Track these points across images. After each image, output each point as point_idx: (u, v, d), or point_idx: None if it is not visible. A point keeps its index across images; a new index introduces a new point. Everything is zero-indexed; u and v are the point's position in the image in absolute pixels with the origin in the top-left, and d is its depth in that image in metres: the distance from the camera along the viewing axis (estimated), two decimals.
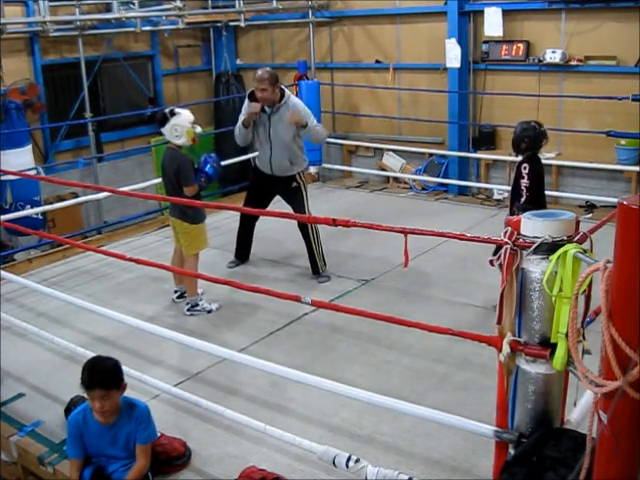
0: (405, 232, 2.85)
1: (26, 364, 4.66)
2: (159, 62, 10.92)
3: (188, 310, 5.39)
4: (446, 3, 8.65)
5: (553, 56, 8.01)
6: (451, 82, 8.81)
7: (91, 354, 4.12)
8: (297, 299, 3.29)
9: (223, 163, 9.08)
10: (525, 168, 4.95)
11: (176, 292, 5.65)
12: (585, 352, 2.30)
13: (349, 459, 3.07)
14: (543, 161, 8.12)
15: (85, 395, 3.28)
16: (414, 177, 9.28)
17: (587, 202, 7.86)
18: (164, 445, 3.52)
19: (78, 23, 8.87)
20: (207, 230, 5.54)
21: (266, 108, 5.84)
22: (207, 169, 5.33)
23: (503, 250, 2.45)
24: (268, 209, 6.16)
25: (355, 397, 3.27)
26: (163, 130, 5.26)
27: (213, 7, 10.62)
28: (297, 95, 9.36)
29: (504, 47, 8.42)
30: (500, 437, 2.67)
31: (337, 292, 5.68)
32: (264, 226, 7.11)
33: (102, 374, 3.18)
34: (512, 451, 2.61)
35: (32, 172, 7.85)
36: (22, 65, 9.04)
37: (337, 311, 3.66)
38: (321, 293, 5.60)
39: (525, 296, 2.48)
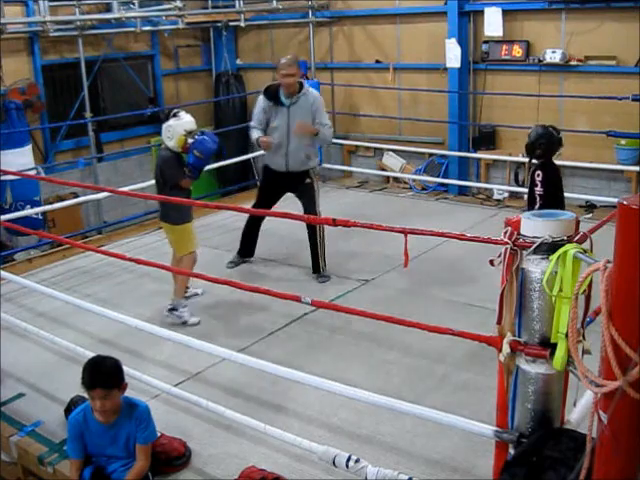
0: (405, 232, 2.85)
1: (26, 364, 4.66)
2: (159, 62, 10.92)
3: (167, 310, 5.23)
4: (446, 3, 8.65)
5: (553, 56, 8.01)
6: (451, 82, 8.82)
7: (91, 354, 4.11)
8: (297, 299, 3.29)
9: (223, 163, 9.19)
10: (539, 176, 4.88)
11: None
12: (585, 352, 2.30)
13: (349, 459, 3.06)
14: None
15: (85, 395, 3.28)
16: (414, 177, 9.28)
17: (587, 202, 7.86)
18: (164, 445, 3.52)
19: (78, 23, 8.87)
20: (195, 230, 5.47)
21: (284, 99, 5.84)
22: (189, 159, 5.19)
23: (503, 250, 2.45)
24: (276, 206, 6.16)
25: (355, 397, 3.27)
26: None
27: (213, 7, 10.63)
28: None
29: (504, 47, 8.42)
30: (500, 437, 2.66)
31: (337, 292, 5.68)
32: (264, 226, 7.11)
33: (103, 374, 3.18)
34: (512, 451, 2.61)
35: (32, 172, 7.85)
36: (22, 65, 9.04)
37: (337, 311, 3.66)
38: (321, 293, 5.60)
39: (525, 296, 2.48)
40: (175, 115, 5.22)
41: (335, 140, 9.90)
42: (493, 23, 8.26)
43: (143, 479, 3.30)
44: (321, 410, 3.98)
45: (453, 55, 8.53)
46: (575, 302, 2.09)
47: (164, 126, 5.23)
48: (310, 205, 5.99)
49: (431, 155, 9.32)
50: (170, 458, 3.53)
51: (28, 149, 8.40)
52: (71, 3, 8.76)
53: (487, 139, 8.86)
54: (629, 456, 1.78)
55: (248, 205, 6.16)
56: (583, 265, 2.24)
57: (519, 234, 2.44)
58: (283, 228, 6.96)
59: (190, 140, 5.16)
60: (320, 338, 4.95)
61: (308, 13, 9.99)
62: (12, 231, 7.55)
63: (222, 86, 10.97)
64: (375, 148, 9.81)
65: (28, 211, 7.54)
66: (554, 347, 2.40)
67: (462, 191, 8.95)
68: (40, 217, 8.12)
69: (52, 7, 8.68)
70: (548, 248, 2.36)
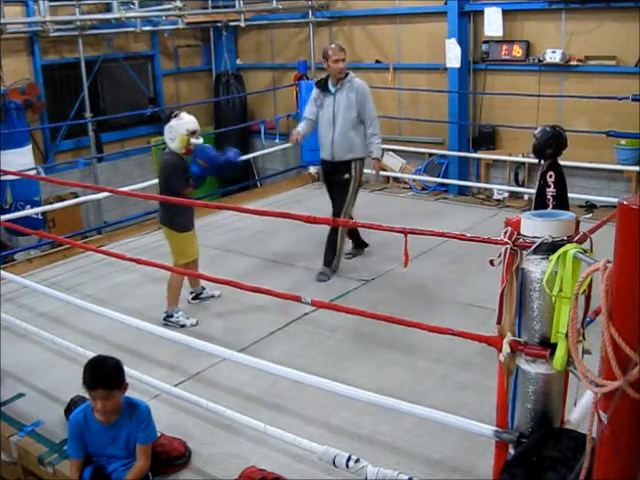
0: (405, 232, 2.85)
1: (26, 364, 4.66)
2: (159, 62, 10.93)
3: (163, 319, 5.18)
4: (446, 3, 8.66)
5: (553, 56, 8.01)
6: (451, 82, 8.82)
7: (91, 354, 4.11)
8: (297, 299, 3.29)
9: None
10: (551, 177, 4.89)
11: (191, 293, 5.64)
12: (585, 352, 2.30)
13: (349, 459, 3.06)
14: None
15: (86, 395, 3.28)
16: (414, 177, 9.28)
17: (587, 202, 7.86)
18: (164, 445, 3.52)
19: (78, 23, 8.89)
20: (196, 238, 5.39)
21: (331, 87, 6.02)
22: (193, 169, 5.08)
23: (503, 250, 2.45)
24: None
25: (355, 397, 3.27)
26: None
27: (213, 7, 10.64)
28: (297, 95, 9.39)
29: (504, 47, 8.43)
30: (500, 437, 2.66)
31: (337, 292, 5.68)
32: (264, 226, 7.12)
33: (104, 374, 3.18)
34: (512, 451, 2.61)
35: (32, 172, 7.86)
36: (22, 65, 9.05)
37: (337, 311, 3.66)
38: (321, 293, 5.60)
39: (525, 296, 2.48)
40: (176, 116, 5.14)
41: None
42: (493, 23, 8.26)
43: (143, 479, 3.30)
44: (321, 410, 3.98)
45: (453, 55, 8.54)
46: (575, 302, 2.09)
47: (166, 127, 5.14)
48: (340, 197, 6.05)
49: (431, 155, 9.32)
50: (170, 458, 3.53)
51: (28, 149, 8.41)
52: (71, 3, 8.77)
53: (487, 139, 8.86)
54: (629, 456, 1.78)
55: (248, 205, 6.16)
56: (583, 265, 2.24)
57: (519, 234, 2.44)
58: (283, 228, 6.96)
59: (193, 140, 5.05)
60: (320, 338, 4.95)
61: (308, 13, 10.00)
62: (12, 231, 7.55)
63: (222, 86, 10.98)
64: None
65: (28, 211, 7.55)
66: (554, 347, 2.40)
67: (462, 191, 8.96)
68: (40, 217, 8.13)
69: (52, 7, 8.70)
70: (548, 248, 2.36)
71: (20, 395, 4.31)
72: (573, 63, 7.99)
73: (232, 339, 4.83)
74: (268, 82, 11.13)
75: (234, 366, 4.10)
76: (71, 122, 9.28)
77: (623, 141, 7.66)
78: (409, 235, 2.85)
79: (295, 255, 6.60)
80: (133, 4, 9.26)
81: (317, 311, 5.12)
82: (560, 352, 2.35)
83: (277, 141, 9.78)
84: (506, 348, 2.52)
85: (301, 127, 6.21)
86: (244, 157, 9.86)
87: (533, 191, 8.25)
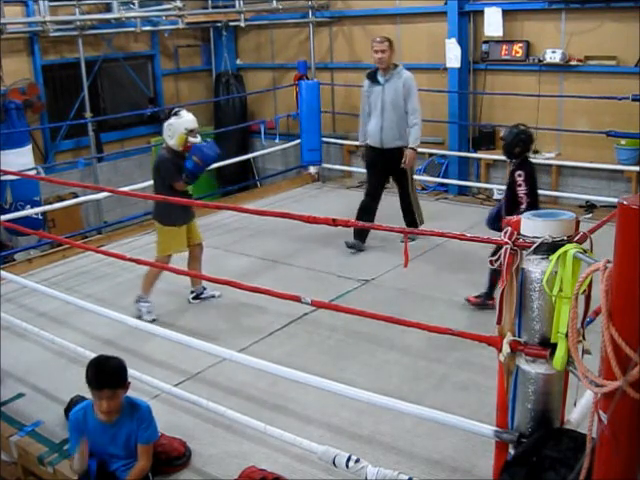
0: (405, 232, 2.85)
1: (26, 364, 4.66)
2: (159, 62, 10.93)
3: (136, 301, 5.36)
4: (446, 3, 8.65)
5: (553, 56, 8.01)
6: (451, 82, 8.82)
7: (91, 354, 4.12)
8: (297, 299, 3.29)
9: (222, 164, 9.19)
10: (521, 176, 4.95)
11: (192, 292, 5.65)
12: (585, 352, 2.30)
13: (349, 459, 3.07)
14: (543, 161, 8.24)
15: (86, 395, 3.28)
16: (414, 177, 9.26)
17: (587, 202, 7.86)
18: (164, 445, 3.52)
19: (78, 23, 8.88)
20: (182, 237, 5.38)
21: (380, 78, 6.41)
22: (187, 164, 5.16)
23: (503, 250, 2.45)
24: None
25: (355, 397, 3.27)
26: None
27: (213, 7, 10.63)
28: (297, 95, 9.39)
29: (504, 47, 8.42)
30: (500, 437, 2.67)
31: (337, 292, 5.68)
32: (264, 226, 7.12)
33: (110, 374, 3.19)
34: (512, 451, 2.62)
35: (32, 172, 7.85)
36: (22, 65, 9.05)
37: (337, 311, 3.66)
38: (321, 293, 5.59)
39: (525, 296, 2.48)
40: (176, 114, 5.21)
41: (335, 140, 9.95)
42: (493, 23, 8.25)
43: (143, 479, 3.30)
44: (321, 410, 3.98)
45: (453, 55, 8.53)
46: (575, 302, 2.09)
47: (165, 124, 5.24)
48: (405, 186, 6.63)
49: (431, 155, 9.31)
50: (170, 458, 3.53)
51: (28, 149, 8.40)
52: (71, 3, 8.77)
53: (487, 139, 8.85)
54: (629, 456, 1.78)
55: (248, 205, 6.17)
56: (583, 265, 2.24)
57: (519, 234, 2.44)
58: (283, 228, 6.96)
59: (191, 139, 5.15)
60: (320, 338, 4.95)
61: (308, 13, 9.99)
62: (12, 231, 7.55)
63: (222, 86, 10.97)
64: None
65: (28, 211, 7.55)
66: (554, 347, 2.40)
67: (462, 191, 8.95)
68: (40, 217, 8.13)
69: (52, 7, 8.69)
70: (548, 248, 2.36)
71: (20, 395, 4.31)
72: (573, 63, 7.98)
73: (232, 339, 4.83)
74: (268, 82, 11.13)
75: (234, 366, 4.11)
76: (71, 122, 9.28)
77: (623, 141, 7.65)
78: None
79: (295, 255, 6.60)
80: (133, 4, 9.25)
81: (317, 311, 5.12)
82: (560, 352, 2.35)
83: (277, 141, 9.77)
84: (506, 348, 2.52)
85: (362, 135, 6.76)
86: (244, 157, 9.92)
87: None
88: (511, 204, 4.98)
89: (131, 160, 10.18)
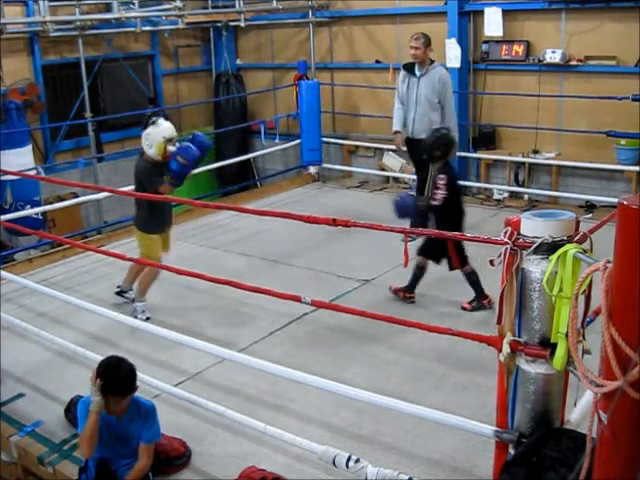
0: (405, 232, 2.85)
1: (26, 364, 4.66)
2: (159, 62, 10.93)
3: (116, 293, 5.53)
4: (446, 3, 8.65)
5: (553, 56, 8.01)
6: None
7: (91, 354, 4.13)
8: (297, 299, 3.29)
9: (222, 163, 9.20)
10: (442, 179, 5.10)
11: (118, 287, 5.67)
12: (585, 352, 2.30)
13: (349, 459, 3.06)
14: (543, 161, 8.25)
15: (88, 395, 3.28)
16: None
17: (587, 202, 7.85)
18: (164, 445, 3.52)
19: (78, 23, 8.88)
20: (159, 244, 5.34)
21: (417, 71, 6.69)
22: (172, 166, 5.07)
23: (503, 250, 2.45)
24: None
25: (355, 397, 3.27)
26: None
27: (213, 7, 10.63)
28: (297, 95, 9.39)
29: (504, 47, 8.42)
30: (500, 437, 2.66)
31: (337, 292, 5.68)
32: (264, 226, 7.12)
33: (122, 382, 3.22)
34: (512, 451, 2.61)
35: (32, 172, 7.85)
36: (22, 65, 9.05)
37: (337, 311, 3.66)
38: (321, 293, 5.59)
39: (525, 296, 2.48)
40: (153, 123, 5.13)
41: (335, 140, 9.95)
42: (493, 23, 8.26)
43: (143, 479, 3.30)
44: (321, 410, 3.98)
45: (453, 55, 8.53)
46: (575, 302, 2.09)
47: (143, 134, 5.15)
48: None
49: None
50: (170, 458, 3.53)
51: (28, 149, 8.40)
52: (71, 3, 8.77)
53: (487, 139, 8.85)
54: (629, 456, 1.78)
55: (248, 205, 6.17)
56: (583, 265, 2.24)
57: (519, 234, 2.44)
58: (283, 228, 6.95)
59: (170, 148, 5.06)
60: (320, 338, 4.95)
61: (308, 13, 10.00)
62: (12, 231, 7.55)
63: (222, 86, 10.97)
64: (375, 148, 9.80)
65: (28, 211, 7.55)
66: (554, 347, 2.40)
67: (462, 191, 8.94)
68: (40, 217, 8.13)
69: (52, 7, 8.69)
70: (548, 248, 2.36)
71: (20, 395, 4.31)
72: (573, 63, 7.99)
73: (232, 339, 4.83)
74: (268, 82, 11.13)
75: (234, 366, 4.11)
76: (71, 122, 9.28)
77: (623, 141, 7.66)
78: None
79: (295, 255, 6.60)
80: (133, 4, 9.26)
81: (317, 311, 5.12)
82: (560, 352, 2.35)
83: (277, 141, 9.77)
84: (506, 348, 2.52)
85: (397, 125, 6.87)
86: (244, 157, 9.92)
87: (533, 191, 8.34)
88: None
89: (131, 160, 10.04)
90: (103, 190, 7.05)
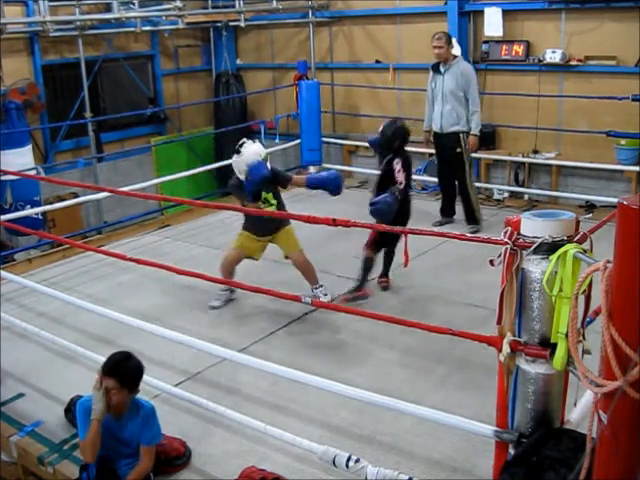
0: (405, 232, 2.85)
1: (26, 364, 4.66)
2: (159, 62, 10.93)
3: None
4: (446, 3, 8.65)
5: (553, 56, 8.01)
6: None
7: (91, 354, 4.13)
8: (297, 299, 3.29)
9: (222, 163, 9.18)
10: (398, 163, 5.35)
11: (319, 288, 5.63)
12: (585, 352, 2.30)
13: (349, 459, 3.07)
14: (543, 161, 8.25)
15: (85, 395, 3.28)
16: (414, 177, 9.26)
17: (587, 202, 7.85)
18: (164, 445, 3.52)
19: (78, 23, 8.88)
20: (249, 242, 5.57)
21: (441, 68, 7.01)
22: (245, 185, 5.25)
23: (503, 250, 2.45)
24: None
25: (355, 397, 3.27)
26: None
27: (213, 7, 10.62)
28: (297, 95, 9.39)
29: (504, 47, 8.42)
30: (500, 437, 2.67)
31: (337, 292, 5.67)
32: None
33: (122, 368, 3.24)
34: (512, 451, 2.61)
35: (32, 172, 7.85)
36: (22, 65, 9.04)
37: (337, 311, 3.66)
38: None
39: (525, 296, 2.48)
40: (238, 152, 5.32)
41: (335, 140, 9.95)
42: (493, 23, 8.26)
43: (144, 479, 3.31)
44: (321, 410, 3.98)
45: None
46: (575, 302, 2.09)
47: (233, 162, 5.38)
48: (461, 174, 7.07)
49: (431, 155, 9.29)
50: (170, 458, 3.53)
51: (28, 149, 8.40)
52: (71, 3, 8.77)
53: (487, 139, 8.83)
54: (629, 456, 1.78)
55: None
56: (583, 265, 2.24)
57: (519, 234, 2.44)
58: None
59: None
60: (320, 338, 4.95)
61: (308, 13, 9.99)
62: (12, 231, 7.55)
63: (222, 86, 10.96)
64: None
65: (28, 211, 7.54)
66: (554, 347, 2.40)
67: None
68: (40, 217, 8.12)
69: (52, 7, 8.68)
70: (548, 248, 2.36)
71: (20, 395, 4.31)
72: (573, 63, 7.98)
73: (232, 339, 4.83)
74: (268, 82, 11.13)
75: (234, 366, 4.11)
76: (71, 122, 9.28)
77: (623, 141, 7.65)
78: (409, 235, 2.85)
79: None
80: (133, 4, 9.25)
81: (317, 311, 5.13)
82: (560, 352, 2.35)
83: (277, 141, 9.77)
84: (506, 348, 2.52)
85: (425, 124, 7.32)
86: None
87: (533, 191, 8.34)
88: (383, 191, 5.31)
89: (131, 160, 10.17)
90: (103, 190, 7.05)
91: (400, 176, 5.33)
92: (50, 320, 5.29)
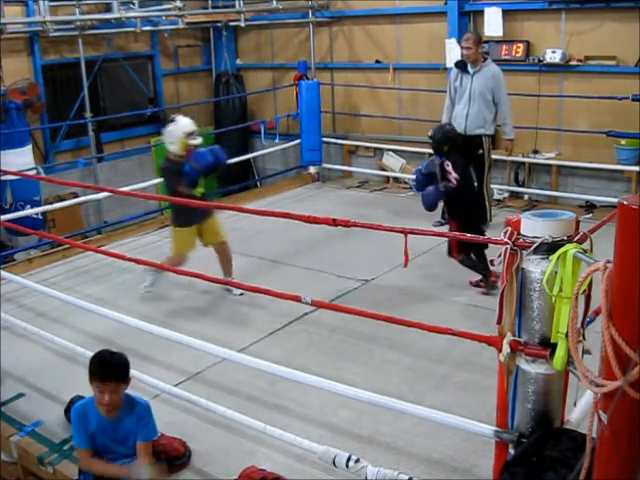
0: (405, 232, 2.85)
1: (26, 364, 4.66)
2: (159, 62, 10.92)
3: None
4: (446, 3, 8.65)
5: (553, 56, 8.01)
6: None
7: (91, 354, 4.12)
8: (297, 299, 3.29)
9: None
10: (448, 165, 5.50)
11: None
12: (585, 352, 2.30)
13: (349, 459, 3.07)
14: (543, 161, 8.26)
15: (85, 395, 3.28)
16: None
17: (587, 202, 7.85)
18: (164, 445, 3.52)
19: (78, 23, 8.88)
20: (189, 239, 5.57)
21: (470, 68, 6.85)
22: (185, 168, 5.30)
23: (503, 250, 2.45)
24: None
25: (355, 397, 3.27)
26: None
27: (213, 7, 10.62)
28: (297, 95, 9.39)
29: (504, 47, 8.42)
30: (500, 437, 2.67)
31: (337, 292, 5.68)
32: (264, 226, 7.11)
33: (116, 367, 3.22)
34: (512, 451, 2.61)
35: (32, 172, 7.85)
36: (22, 65, 9.05)
37: (337, 311, 3.66)
38: (321, 293, 5.59)
39: (525, 296, 2.48)
40: (172, 120, 5.42)
41: (335, 140, 9.95)
42: (493, 23, 8.25)
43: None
44: (321, 410, 3.98)
45: (453, 55, 8.51)
46: (575, 302, 2.09)
47: (164, 133, 5.46)
48: (480, 173, 6.78)
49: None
50: (170, 458, 3.53)
51: (28, 149, 8.40)
52: (71, 3, 8.77)
53: None
54: (629, 456, 1.78)
55: (248, 205, 6.17)
56: (583, 265, 2.24)
57: (519, 234, 2.44)
58: (283, 228, 6.95)
59: (191, 141, 5.34)
60: (320, 338, 4.95)
61: (308, 13, 9.99)
62: (12, 231, 7.55)
63: (222, 86, 10.97)
64: (375, 148, 9.81)
65: (28, 211, 7.54)
66: (554, 347, 2.40)
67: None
68: (40, 217, 8.13)
69: (52, 7, 8.69)
70: (548, 248, 2.36)
71: (20, 395, 4.31)
72: (573, 63, 7.98)
73: (232, 339, 4.83)
74: (268, 82, 11.13)
75: (234, 366, 4.10)
76: (71, 122, 9.28)
77: (623, 141, 7.65)
78: (409, 235, 2.85)
79: (295, 255, 6.60)
80: (133, 4, 9.25)
81: (317, 311, 5.13)
82: (560, 352, 2.35)
83: (277, 141, 9.77)
84: (506, 348, 2.52)
85: (446, 121, 7.00)
86: (244, 157, 9.91)
87: (533, 191, 8.34)
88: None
89: (131, 160, 10.17)
90: (103, 190, 7.05)
91: (453, 176, 5.44)
92: (50, 320, 5.29)
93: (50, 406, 4.15)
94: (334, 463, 3.11)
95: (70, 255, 6.83)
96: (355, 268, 6.25)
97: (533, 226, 2.41)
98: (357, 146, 10.08)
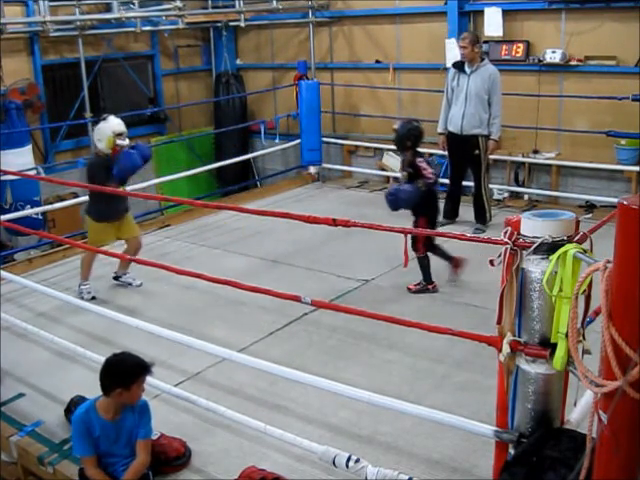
0: (405, 232, 2.86)
1: (26, 364, 4.66)
2: (159, 62, 10.93)
3: (78, 286, 5.71)
4: (446, 3, 8.65)
5: (553, 56, 8.01)
6: None
7: (91, 354, 4.13)
8: (297, 299, 3.29)
9: (222, 163, 9.22)
10: (421, 161, 5.50)
11: (114, 273, 5.97)
12: (585, 352, 2.30)
13: (349, 459, 3.07)
14: (543, 161, 8.25)
15: (85, 395, 3.27)
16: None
17: (587, 202, 7.85)
18: (164, 445, 3.52)
19: (78, 23, 8.88)
20: (100, 234, 5.64)
21: (467, 68, 6.88)
22: (114, 170, 5.48)
23: (503, 250, 2.45)
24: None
25: (355, 397, 3.27)
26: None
27: (213, 7, 10.63)
28: (297, 95, 9.39)
29: (504, 47, 8.42)
30: (500, 437, 2.67)
31: (337, 292, 5.68)
32: (264, 226, 7.12)
33: (141, 362, 3.29)
34: (512, 451, 2.61)
35: (32, 172, 7.85)
36: (22, 65, 9.05)
37: (337, 311, 3.66)
38: (321, 293, 5.59)
39: (525, 296, 2.48)
40: (104, 119, 5.60)
41: (335, 140, 9.96)
42: (493, 23, 8.26)
43: (143, 477, 3.30)
44: (321, 410, 3.98)
45: (453, 55, 8.51)
46: (575, 302, 2.09)
47: (94, 129, 5.63)
48: (477, 173, 7.12)
49: (431, 155, 9.29)
50: (170, 458, 3.53)
51: (28, 149, 8.41)
52: (71, 3, 8.77)
53: None
54: (629, 456, 1.78)
55: (248, 205, 6.17)
56: (583, 265, 2.24)
57: (519, 234, 2.44)
58: (283, 228, 6.95)
59: (119, 142, 5.51)
60: (320, 338, 4.95)
61: (308, 13, 9.99)
62: (12, 231, 7.55)
63: (222, 86, 10.97)
64: (375, 148, 9.80)
65: (28, 211, 7.55)
66: (554, 347, 2.40)
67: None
68: (40, 217, 8.13)
69: (52, 7, 8.69)
70: (548, 248, 2.36)
71: (20, 395, 4.31)
72: (573, 63, 7.98)
73: (232, 339, 4.83)
74: (268, 82, 11.13)
75: (234, 366, 4.10)
76: (71, 122, 9.28)
77: (623, 141, 7.65)
78: (409, 235, 2.85)
79: (295, 255, 6.60)
80: (133, 4, 9.26)
81: (317, 311, 5.12)
82: (560, 352, 2.35)
83: (277, 141, 9.78)
84: (506, 348, 2.52)
85: (441, 126, 7.20)
86: (244, 157, 9.92)
87: (533, 191, 8.34)
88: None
89: None
90: (103, 190, 7.02)
91: (429, 171, 5.44)
92: (50, 320, 5.29)
93: (50, 406, 4.15)
94: (334, 463, 3.11)
95: (70, 255, 6.82)
96: (355, 268, 6.24)
97: (533, 226, 2.41)
98: (357, 146, 10.08)
